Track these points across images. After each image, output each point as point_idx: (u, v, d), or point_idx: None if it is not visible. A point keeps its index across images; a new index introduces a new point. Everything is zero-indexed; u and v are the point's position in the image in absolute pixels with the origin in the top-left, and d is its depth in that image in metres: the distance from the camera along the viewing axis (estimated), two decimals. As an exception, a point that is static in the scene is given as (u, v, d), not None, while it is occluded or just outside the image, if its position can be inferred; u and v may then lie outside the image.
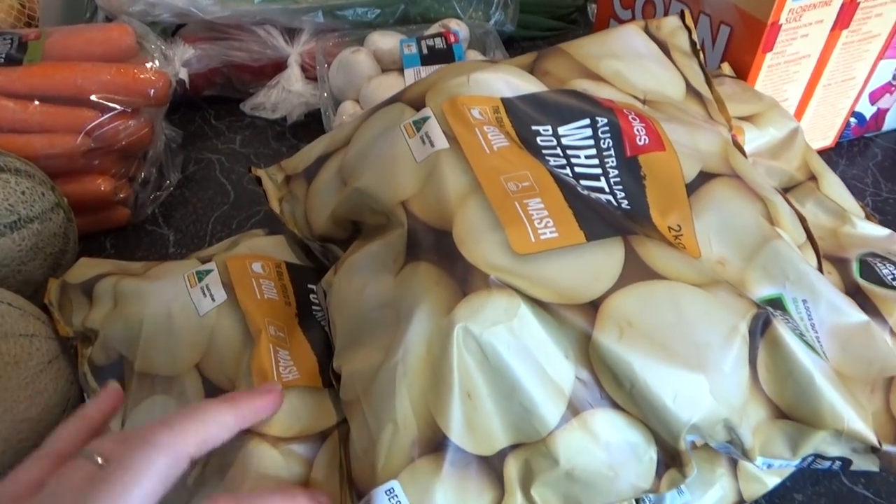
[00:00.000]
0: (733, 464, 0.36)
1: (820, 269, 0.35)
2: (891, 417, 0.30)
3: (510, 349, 0.27)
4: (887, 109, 0.62)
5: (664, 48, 0.40)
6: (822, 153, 0.62)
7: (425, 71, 0.57)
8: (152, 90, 0.53)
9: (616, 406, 0.28)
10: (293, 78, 0.65)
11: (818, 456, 0.30)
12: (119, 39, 0.54)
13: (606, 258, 0.29)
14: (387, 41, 0.62)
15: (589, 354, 0.28)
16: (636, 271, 0.29)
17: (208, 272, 0.37)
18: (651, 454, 0.29)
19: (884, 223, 0.55)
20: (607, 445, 0.28)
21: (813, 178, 0.45)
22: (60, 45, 0.53)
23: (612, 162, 0.33)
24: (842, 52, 0.53)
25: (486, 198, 0.30)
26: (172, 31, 0.68)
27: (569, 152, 0.33)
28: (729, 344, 0.28)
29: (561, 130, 0.34)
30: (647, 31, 0.40)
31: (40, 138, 0.50)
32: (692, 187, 0.33)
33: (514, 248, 0.29)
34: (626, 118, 0.34)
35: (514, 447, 0.28)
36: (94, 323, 0.38)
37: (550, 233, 0.30)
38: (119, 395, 0.32)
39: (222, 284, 0.36)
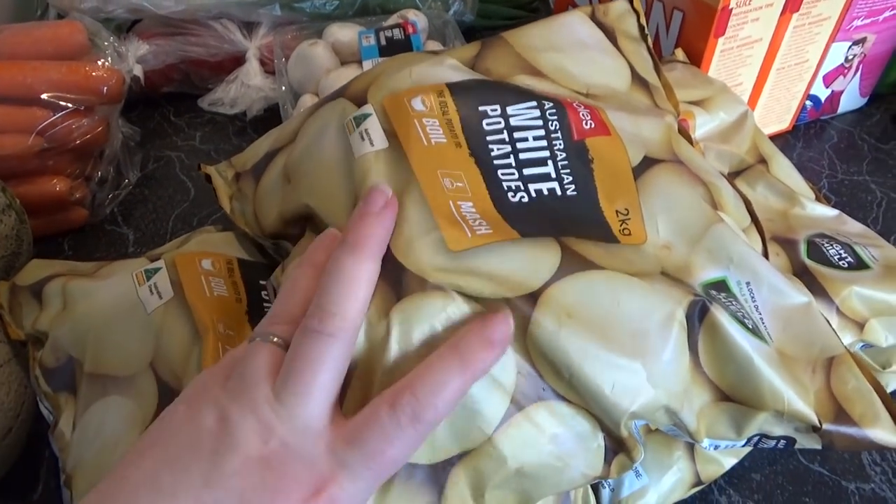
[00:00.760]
0: (690, 446, 0.37)
1: (765, 251, 0.35)
2: (831, 396, 0.30)
3: None
4: (841, 92, 0.62)
5: (611, 35, 0.40)
6: (780, 136, 0.63)
7: (384, 63, 0.57)
8: (105, 87, 0.52)
9: (559, 397, 0.28)
10: (252, 72, 0.65)
11: (763, 436, 0.30)
12: (69, 37, 0.53)
13: (543, 251, 0.29)
14: (345, 33, 0.62)
15: (528, 346, 0.28)
16: (574, 262, 0.29)
17: (156, 270, 0.36)
18: (599, 441, 0.29)
19: (839, 204, 0.56)
20: (554, 437, 0.28)
21: (763, 160, 0.45)
22: (9, 43, 0.52)
23: (560, 145, 0.33)
24: (793, 36, 0.53)
25: (423, 196, 0.30)
26: (127, 27, 0.67)
27: (516, 135, 0.33)
28: (666, 331, 0.29)
29: (510, 110, 0.33)
30: (593, 17, 0.40)
31: (-10, 139, 0.50)
32: (637, 172, 0.33)
33: (449, 247, 0.29)
34: (571, 105, 0.34)
35: (462, 456, 0.28)
36: (44, 325, 0.37)
37: (486, 229, 0.29)
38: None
39: (171, 282, 0.36)
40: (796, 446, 0.31)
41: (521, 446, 0.28)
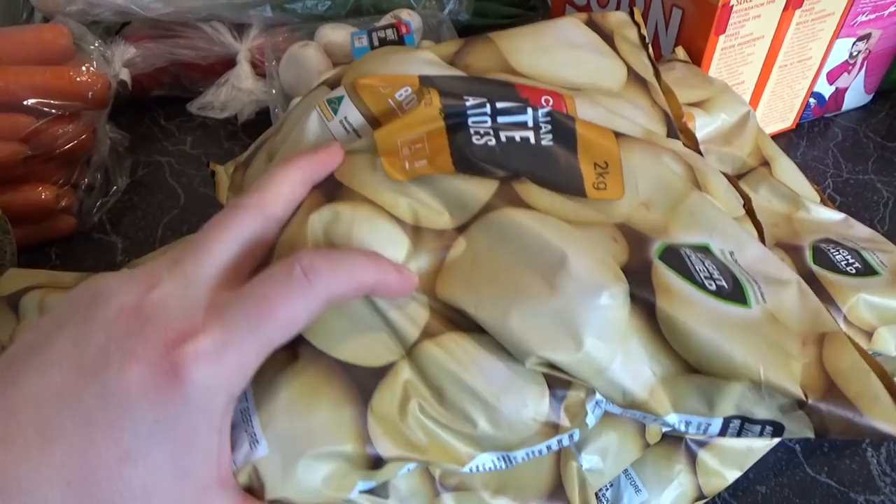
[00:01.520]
0: (692, 459, 0.35)
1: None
2: (822, 371, 0.27)
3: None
4: (846, 89, 0.61)
5: (608, 37, 0.38)
6: (783, 135, 0.62)
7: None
8: (90, 92, 0.51)
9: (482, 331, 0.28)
10: (243, 75, 0.63)
11: (744, 419, 0.28)
12: (54, 41, 0.52)
13: (478, 186, 0.30)
14: (338, 34, 0.61)
15: (436, 285, 0.28)
16: (506, 199, 0.30)
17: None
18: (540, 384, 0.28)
19: (844, 205, 0.55)
20: (482, 367, 0.27)
21: (766, 163, 0.44)
22: (-8, 48, 0.51)
23: (544, 110, 0.33)
24: (796, 32, 0.52)
25: (373, 141, 0.31)
26: (116, 30, 0.65)
27: (499, 105, 0.33)
28: (594, 277, 0.27)
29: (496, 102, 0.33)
30: (590, 22, 0.39)
31: (-28, 148, 0.48)
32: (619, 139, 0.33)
33: (388, 174, 0.30)
34: (539, 99, 0.34)
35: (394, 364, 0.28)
36: (21, 339, 0.36)
37: (423, 166, 0.31)
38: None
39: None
40: (786, 434, 0.28)
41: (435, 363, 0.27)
